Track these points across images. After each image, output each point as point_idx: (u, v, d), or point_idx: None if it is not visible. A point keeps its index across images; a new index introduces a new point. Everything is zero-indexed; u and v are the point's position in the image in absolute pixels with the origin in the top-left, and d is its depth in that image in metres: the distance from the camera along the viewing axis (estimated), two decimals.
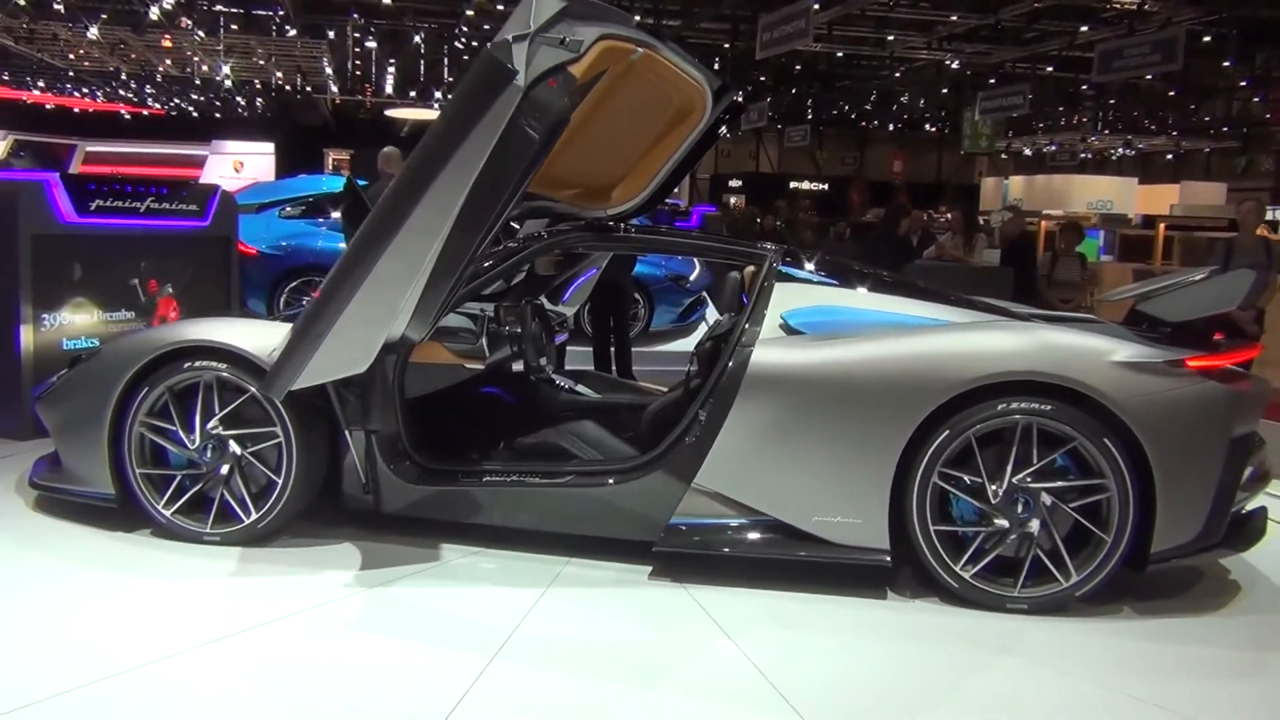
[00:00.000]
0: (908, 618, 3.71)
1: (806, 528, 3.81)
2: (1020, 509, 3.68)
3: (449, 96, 3.72)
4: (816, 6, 15.52)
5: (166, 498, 4.13)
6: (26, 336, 5.57)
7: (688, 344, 9.59)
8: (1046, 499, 3.67)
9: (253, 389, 4.01)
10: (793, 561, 3.84)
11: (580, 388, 4.91)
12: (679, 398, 4.37)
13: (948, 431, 3.66)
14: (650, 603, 3.77)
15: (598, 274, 5.82)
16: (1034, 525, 3.67)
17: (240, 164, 33.16)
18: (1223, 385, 3.71)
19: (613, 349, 7.38)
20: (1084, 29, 19.23)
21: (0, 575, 3.76)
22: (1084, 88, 27.14)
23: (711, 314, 10.98)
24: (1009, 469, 3.67)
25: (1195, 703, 3.13)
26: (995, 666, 3.35)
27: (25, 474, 4.64)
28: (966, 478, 3.72)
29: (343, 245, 9.67)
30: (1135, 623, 3.73)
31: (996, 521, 3.71)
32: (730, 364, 3.90)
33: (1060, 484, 3.69)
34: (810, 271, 4.28)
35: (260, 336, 4.08)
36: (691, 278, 10.60)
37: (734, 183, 36.39)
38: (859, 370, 3.76)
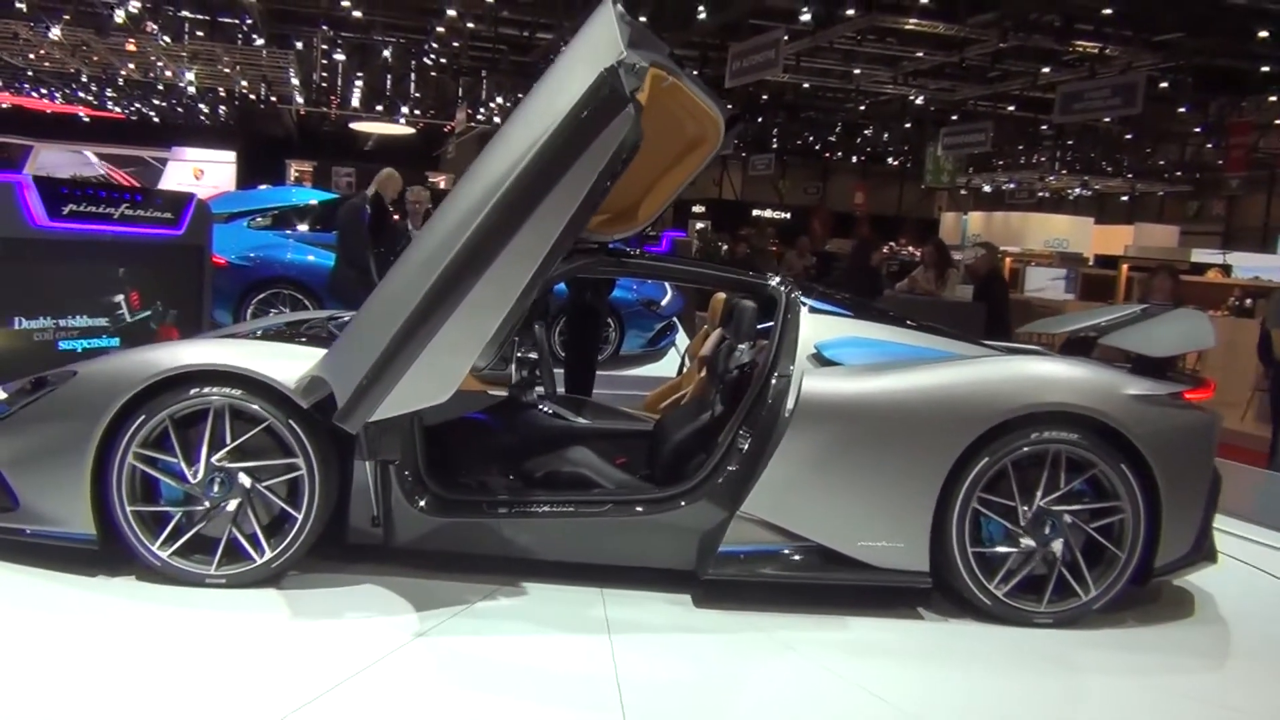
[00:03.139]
0: (980, 637, 3.91)
1: (851, 552, 3.92)
2: (1047, 530, 3.95)
3: (523, 114, 3.54)
4: (786, 38, 15.65)
5: (163, 538, 3.77)
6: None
7: (657, 369, 9.60)
8: (1068, 520, 3.95)
9: (270, 418, 3.76)
10: (807, 584, 4.00)
11: (564, 412, 4.87)
12: (704, 425, 4.30)
13: (987, 458, 3.89)
14: (721, 631, 3.80)
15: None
16: (1058, 545, 3.94)
17: (200, 171, 32.78)
18: (1210, 415, 4.14)
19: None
20: (1046, 70, 19.57)
21: None
22: (1044, 128, 27.62)
23: (681, 339, 10.99)
24: (1039, 494, 3.93)
25: None
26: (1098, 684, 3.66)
27: None
28: (998, 501, 3.95)
29: (311, 257, 9.65)
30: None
31: (1024, 542, 3.95)
32: (770, 393, 3.98)
33: (1081, 506, 3.97)
34: (828, 303, 4.36)
35: (274, 359, 3.84)
36: (663, 302, 10.61)
37: (697, 208, 36.55)
38: (907, 400, 3.92)
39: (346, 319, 4.86)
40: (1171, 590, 4.44)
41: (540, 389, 4.89)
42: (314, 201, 10.78)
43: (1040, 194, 36.98)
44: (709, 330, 5.88)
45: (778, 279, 4.47)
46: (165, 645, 3.35)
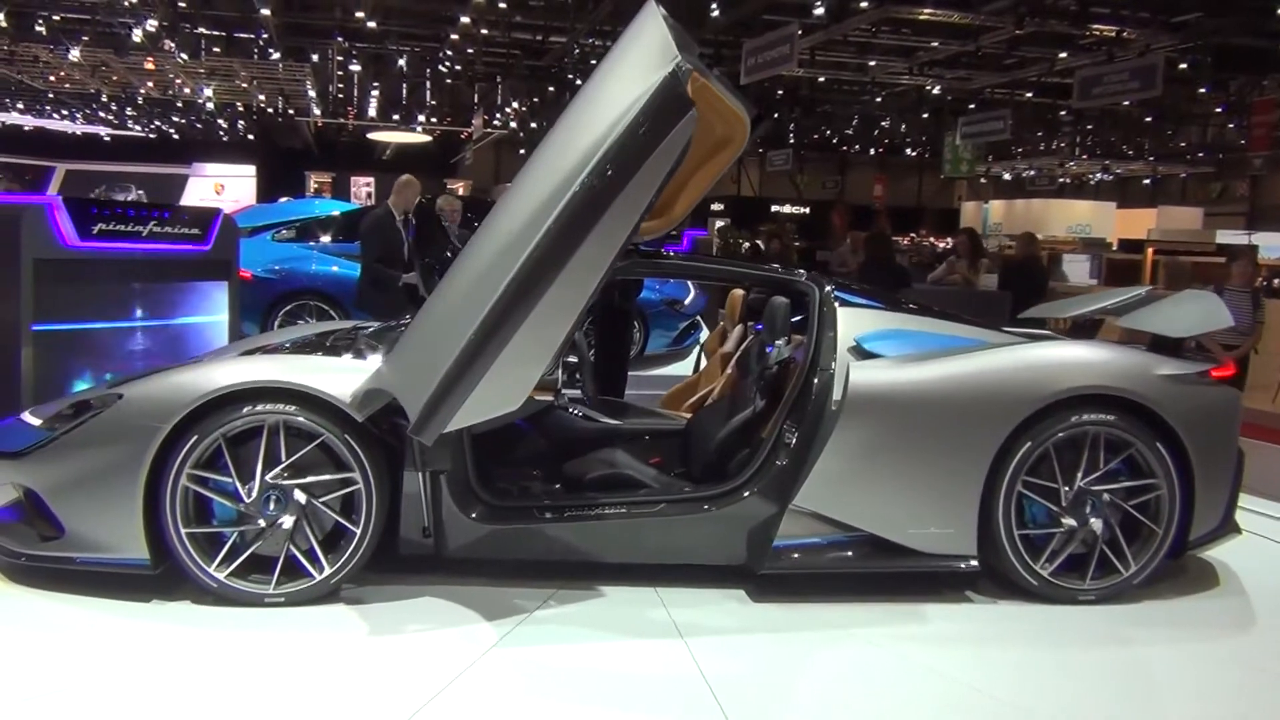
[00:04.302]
0: (1030, 616, 4.00)
1: (901, 540, 4.01)
2: (1087, 509, 4.04)
3: (573, 121, 3.55)
4: (800, 32, 15.61)
5: (219, 559, 3.73)
6: (27, 361, 5.50)
7: (683, 368, 9.60)
8: (1107, 499, 4.04)
9: (326, 433, 3.74)
10: (854, 573, 4.06)
11: (593, 413, 4.89)
12: (747, 421, 4.33)
13: (1030, 442, 3.98)
14: (791, 625, 3.84)
15: None
16: (1097, 524, 4.03)
17: (221, 186, 33.14)
18: (1234, 392, 4.29)
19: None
20: (1063, 55, 19.42)
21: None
22: (1063, 113, 27.41)
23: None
24: (1079, 474, 4.03)
25: None
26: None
27: None
28: (1040, 483, 4.04)
29: (335, 268, 9.71)
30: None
31: (1066, 522, 4.05)
32: (815, 387, 4.04)
33: (1119, 485, 4.06)
34: (859, 296, 4.43)
35: (326, 374, 3.82)
36: (686, 301, 10.62)
37: (716, 206, 36.48)
38: (954, 388, 4.01)
39: (371, 329, 4.90)
40: (1199, 564, 4.56)
41: (580, 392, 4.92)
42: (336, 213, 10.86)
43: (1061, 180, 36.72)
44: (727, 327, 5.89)
45: (806, 274, 4.49)
46: (238, 670, 3.30)
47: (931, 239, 26.35)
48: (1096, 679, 3.51)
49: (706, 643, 3.63)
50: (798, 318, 4.50)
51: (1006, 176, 36.52)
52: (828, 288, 4.36)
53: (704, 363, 6.12)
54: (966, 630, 3.88)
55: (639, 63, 3.38)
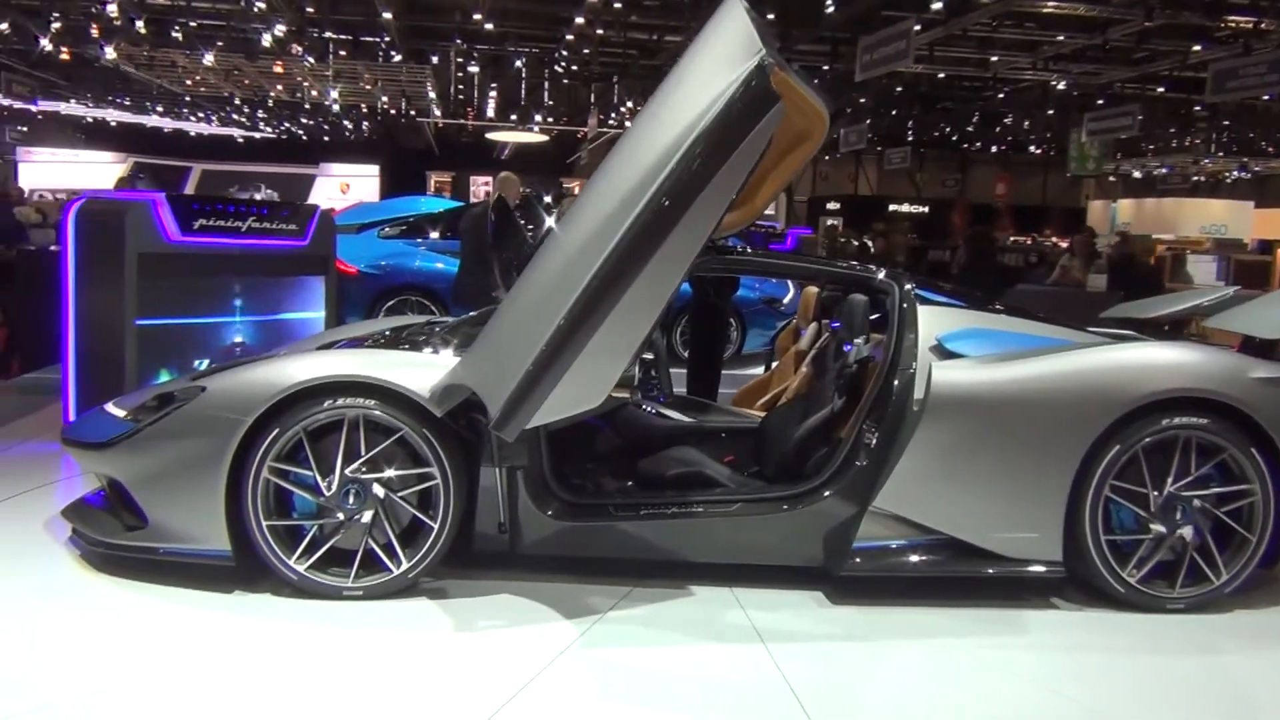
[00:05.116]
0: (1118, 624, 3.92)
1: (984, 544, 3.94)
2: (1177, 515, 3.94)
3: (662, 115, 3.56)
4: (918, 28, 15.30)
5: (299, 551, 3.78)
6: (131, 352, 5.73)
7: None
8: (1197, 505, 3.94)
9: (405, 427, 3.77)
10: (930, 577, 4.01)
11: (666, 411, 4.86)
12: (825, 420, 4.29)
13: (1119, 446, 3.89)
14: (874, 629, 3.79)
15: None
16: (1187, 530, 3.93)
17: (347, 186, 34.19)
18: None
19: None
20: (1197, 48, 18.62)
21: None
22: (1197, 109, 26.26)
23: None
24: (1169, 480, 3.93)
25: None
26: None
27: (60, 525, 4.33)
28: (1128, 488, 3.95)
29: (439, 265, 9.89)
30: None
31: (1154, 528, 3.95)
32: (895, 387, 3.97)
33: (1211, 490, 3.97)
34: (940, 294, 4.35)
35: (405, 369, 3.84)
36: (785, 300, 10.50)
37: (832, 205, 36.07)
38: (1040, 389, 3.92)
39: (447, 324, 4.96)
40: None
41: (656, 389, 4.91)
42: (441, 210, 11.06)
43: (1195, 178, 35.19)
44: (799, 325, 5.80)
45: (885, 272, 4.41)
46: (325, 664, 3.33)
47: (1055, 239, 25.54)
48: (1184, 688, 3.44)
49: (787, 645, 3.58)
50: (874, 316, 4.41)
51: (1136, 174, 35.13)
52: (907, 285, 4.29)
53: (776, 361, 6.04)
54: (1053, 637, 3.80)
55: (722, 56, 3.35)
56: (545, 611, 3.79)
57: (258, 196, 23.68)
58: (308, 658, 3.38)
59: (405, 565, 3.80)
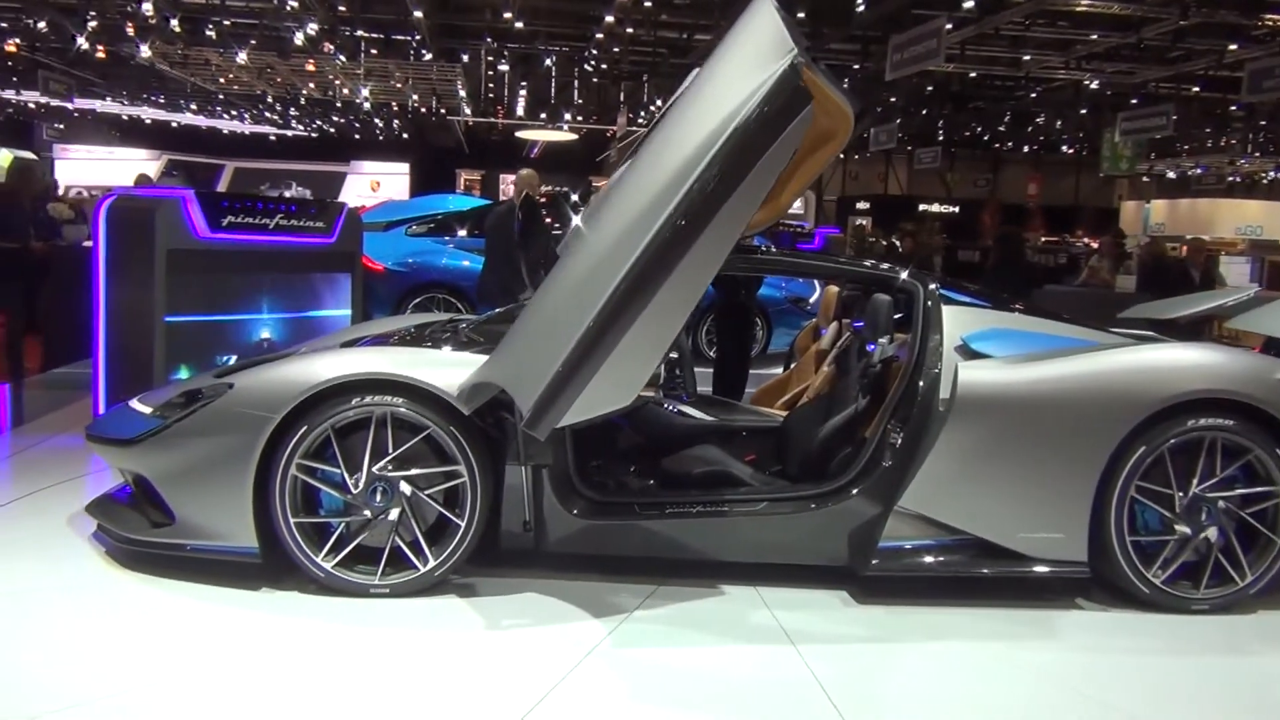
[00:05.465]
0: (1156, 627, 3.91)
1: (1009, 544, 3.93)
2: (1202, 517, 3.94)
3: (689, 117, 3.50)
4: (949, 26, 15.20)
5: (327, 549, 3.78)
6: (160, 347, 5.79)
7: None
8: (1222, 506, 3.95)
9: (432, 425, 3.77)
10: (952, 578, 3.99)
11: (687, 409, 4.86)
12: (850, 419, 4.29)
13: (1144, 447, 3.89)
14: (901, 629, 3.80)
15: None
16: (1212, 531, 3.94)
17: (377, 183, 34.40)
18: None
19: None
20: (1233, 47, 18.39)
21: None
22: (1233, 108, 25.93)
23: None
24: (1194, 480, 3.94)
25: None
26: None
27: (85, 522, 4.32)
28: (1153, 489, 3.95)
29: (466, 263, 9.93)
30: None
31: (1178, 529, 3.95)
32: (921, 387, 3.98)
33: (1236, 492, 3.96)
34: (964, 294, 4.35)
35: (433, 367, 3.84)
36: (812, 300, 10.48)
37: (861, 204, 35.93)
38: (1066, 390, 3.92)
39: (471, 322, 4.98)
40: None
41: (680, 387, 4.90)
42: (469, 209, 11.11)
43: (1231, 179, 34.77)
44: (819, 324, 5.79)
45: (908, 272, 4.40)
46: (355, 663, 3.31)
47: (1086, 239, 25.31)
48: (1211, 688, 3.44)
49: (816, 645, 3.58)
50: (896, 316, 4.40)
51: (1171, 175, 34.76)
52: (931, 285, 4.28)
53: (796, 359, 6.03)
54: (1079, 638, 3.80)
55: (752, 55, 3.35)
56: (571, 610, 3.79)
57: (288, 194, 23.88)
58: (338, 657, 3.37)
59: (432, 563, 3.80)
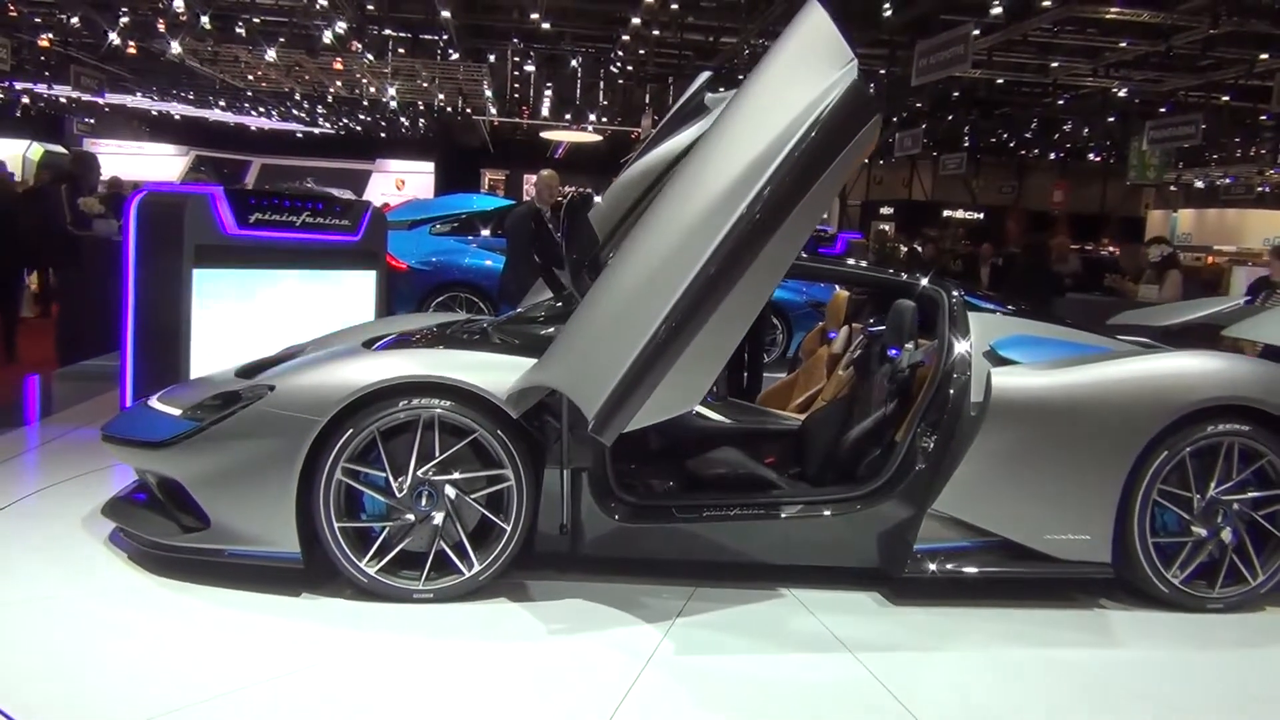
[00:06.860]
0: (1181, 625, 4.02)
1: (1037, 546, 4.02)
2: (1218, 519, 4.06)
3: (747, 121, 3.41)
4: (976, 32, 15.15)
5: (371, 553, 3.71)
6: (188, 343, 5.84)
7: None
8: (1237, 508, 4.07)
9: (479, 429, 3.72)
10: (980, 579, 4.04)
11: (706, 412, 4.87)
12: (879, 422, 4.32)
13: (1166, 451, 4.00)
14: (951, 630, 3.86)
15: None
16: (1227, 533, 4.05)
17: (402, 182, 34.57)
18: None
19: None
20: (1264, 56, 18.25)
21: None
22: (1263, 118, 25.72)
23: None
24: (1212, 484, 4.05)
25: None
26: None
27: (105, 526, 4.19)
28: (1173, 492, 4.07)
29: (489, 262, 9.98)
30: None
31: (1196, 530, 4.07)
32: (952, 393, 4.04)
33: (1250, 495, 4.09)
34: (987, 301, 4.45)
35: (481, 370, 3.79)
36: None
37: (885, 210, 35.81)
38: (1095, 395, 4.02)
39: (493, 321, 5.01)
40: None
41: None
42: (492, 209, 11.18)
43: (1260, 189, 34.46)
44: (827, 328, 5.80)
45: (931, 279, 4.48)
46: (419, 673, 3.24)
47: (1112, 248, 25.14)
48: (1233, 683, 3.57)
49: (869, 651, 3.58)
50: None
51: (1199, 184, 34.48)
52: (955, 293, 4.35)
53: (803, 362, 6.04)
54: (1109, 635, 3.91)
55: (808, 63, 3.37)
56: (616, 615, 3.77)
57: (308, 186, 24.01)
58: (396, 666, 3.28)
59: (477, 567, 3.76)
